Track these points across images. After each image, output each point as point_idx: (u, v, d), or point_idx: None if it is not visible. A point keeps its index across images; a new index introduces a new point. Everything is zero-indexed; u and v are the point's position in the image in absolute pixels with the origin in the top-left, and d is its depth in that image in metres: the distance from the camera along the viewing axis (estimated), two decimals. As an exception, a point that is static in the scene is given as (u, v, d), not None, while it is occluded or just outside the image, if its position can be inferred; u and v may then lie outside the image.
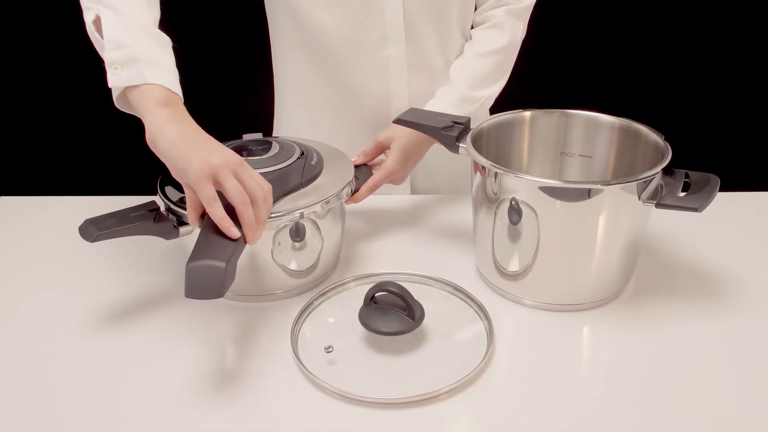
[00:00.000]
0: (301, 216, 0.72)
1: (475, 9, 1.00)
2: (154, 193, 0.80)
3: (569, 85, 1.95)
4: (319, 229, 0.75)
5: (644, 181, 0.68)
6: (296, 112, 1.06)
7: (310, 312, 0.74)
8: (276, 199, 0.69)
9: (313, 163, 0.78)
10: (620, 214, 0.70)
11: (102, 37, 0.70)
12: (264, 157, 0.75)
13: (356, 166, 0.86)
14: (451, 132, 0.78)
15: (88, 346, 0.70)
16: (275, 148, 0.77)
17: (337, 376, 0.63)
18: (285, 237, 0.73)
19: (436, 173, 1.07)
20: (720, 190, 0.70)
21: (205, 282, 0.58)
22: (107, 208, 0.73)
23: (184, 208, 0.67)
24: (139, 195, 0.86)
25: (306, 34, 0.95)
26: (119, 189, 1.08)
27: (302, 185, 0.74)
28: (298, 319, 0.71)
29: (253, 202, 0.63)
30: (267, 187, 0.65)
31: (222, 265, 0.58)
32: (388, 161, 0.88)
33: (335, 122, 1.02)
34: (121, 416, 0.61)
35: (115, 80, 0.68)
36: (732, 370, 0.66)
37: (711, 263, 0.84)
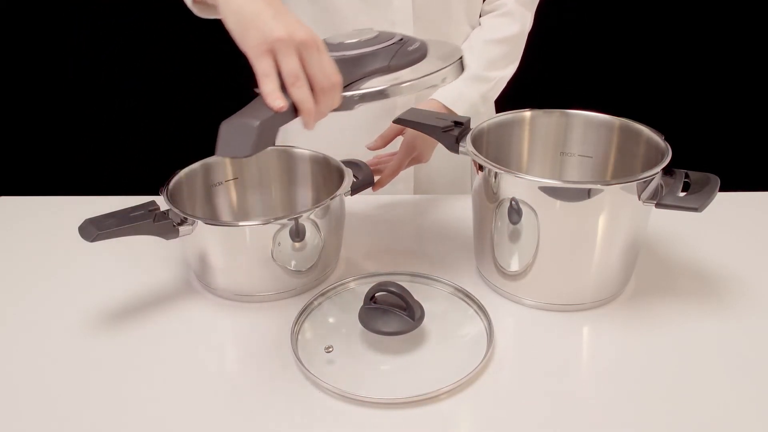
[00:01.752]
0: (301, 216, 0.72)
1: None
2: (154, 193, 0.80)
3: (569, 85, 1.95)
4: (319, 229, 0.75)
5: (644, 181, 0.68)
6: None
7: (310, 312, 0.74)
8: (356, 80, 0.63)
9: (410, 48, 0.69)
10: (620, 214, 0.70)
11: None
12: (349, 41, 0.68)
13: (357, 165, 0.86)
14: (451, 132, 0.78)
15: (87, 346, 0.70)
16: (371, 33, 0.69)
17: (337, 376, 0.63)
18: (285, 237, 0.73)
19: (438, 173, 1.07)
20: (720, 190, 0.70)
21: (236, 139, 0.55)
22: (107, 208, 0.73)
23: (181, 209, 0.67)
24: (139, 195, 0.86)
25: (318, 20, 0.95)
26: (119, 189, 1.08)
27: (389, 69, 0.66)
28: (298, 319, 0.71)
29: (313, 89, 0.58)
30: (335, 79, 0.58)
31: (255, 122, 0.55)
32: (405, 137, 0.87)
33: (340, 114, 1.01)
34: (121, 416, 0.61)
35: None
36: (732, 370, 0.66)
37: (711, 263, 0.84)
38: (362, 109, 0.98)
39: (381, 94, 0.63)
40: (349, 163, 0.85)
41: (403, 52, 0.68)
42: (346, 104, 0.62)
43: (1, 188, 1.15)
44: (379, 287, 0.68)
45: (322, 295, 0.76)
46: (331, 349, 0.67)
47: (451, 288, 0.77)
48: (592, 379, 0.66)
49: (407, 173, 1.06)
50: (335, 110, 0.61)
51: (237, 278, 0.76)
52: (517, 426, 0.59)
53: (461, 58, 0.69)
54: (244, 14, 0.58)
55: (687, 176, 0.72)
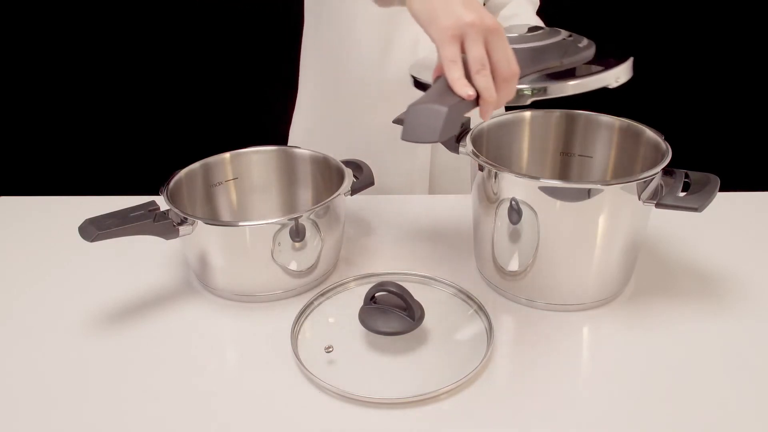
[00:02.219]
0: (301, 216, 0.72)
1: None
2: (155, 193, 0.80)
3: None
4: (319, 229, 0.75)
5: (644, 181, 0.68)
6: (317, 104, 1.07)
7: (310, 312, 0.74)
8: (528, 74, 0.63)
9: (580, 45, 0.68)
10: (620, 214, 0.70)
11: None
12: (525, 34, 0.68)
13: (357, 165, 0.86)
14: None
15: (87, 346, 0.70)
16: (539, 29, 0.70)
17: (337, 376, 0.63)
18: (285, 237, 0.73)
19: (454, 171, 1.07)
20: (720, 190, 0.70)
21: (424, 124, 0.54)
22: (107, 208, 0.73)
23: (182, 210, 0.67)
24: (139, 195, 0.86)
25: (337, 9, 0.95)
26: (119, 189, 1.08)
27: (561, 65, 0.65)
28: (298, 319, 0.71)
29: (495, 77, 0.57)
30: (515, 68, 0.57)
31: (444, 108, 0.53)
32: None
33: (358, 106, 1.02)
34: (121, 416, 0.61)
35: None
36: (732, 370, 0.66)
37: (711, 263, 0.84)
38: (385, 94, 0.98)
39: (555, 91, 0.63)
40: (349, 163, 0.85)
41: (574, 49, 0.67)
42: (519, 98, 0.61)
43: (1, 188, 1.15)
44: (379, 287, 0.68)
45: (322, 295, 0.76)
46: (331, 349, 0.67)
47: (451, 288, 0.77)
48: (592, 379, 0.66)
49: (422, 171, 1.06)
50: (508, 102, 0.60)
51: (237, 278, 0.76)
52: (517, 426, 0.59)
53: (632, 58, 0.68)
54: (434, 1, 0.57)
55: (687, 176, 0.72)
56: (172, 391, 0.64)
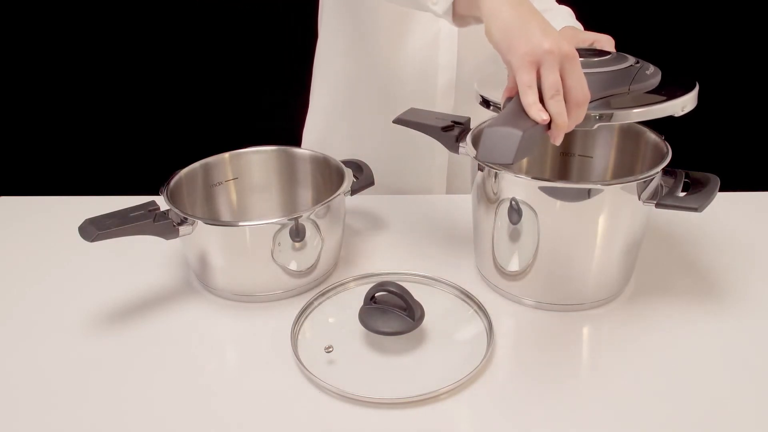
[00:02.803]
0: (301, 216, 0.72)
1: None
2: (155, 193, 0.80)
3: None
4: (319, 229, 0.75)
5: (644, 181, 0.68)
6: (332, 107, 1.07)
7: (310, 312, 0.74)
8: (596, 99, 0.64)
9: (647, 72, 0.70)
10: (620, 214, 0.70)
11: None
12: (593, 59, 0.69)
13: (357, 165, 0.86)
14: (451, 132, 0.78)
15: (87, 346, 0.70)
16: (609, 55, 0.71)
17: (337, 376, 0.63)
18: (285, 237, 0.73)
19: (460, 174, 1.08)
20: (720, 190, 0.71)
21: (499, 146, 0.56)
22: (107, 208, 0.73)
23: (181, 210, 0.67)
24: (139, 195, 0.86)
25: (357, 8, 0.96)
26: (119, 189, 1.08)
27: (629, 91, 0.67)
28: (298, 319, 0.71)
29: (567, 102, 0.58)
30: (587, 93, 0.59)
31: (519, 132, 0.55)
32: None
33: (376, 106, 1.02)
34: (121, 416, 0.61)
35: (440, 7, 0.66)
36: (731, 370, 0.66)
37: (711, 263, 0.84)
38: (405, 90, 0.98)
39: (621, 117, 0.64)
40: (349, 163, 0.85)
41: (642, 76, 0.68)
42: (587, 122, 0.63)
43: (1, 188, 1.15)
44: (379, 287, 0.68)
45: (322, 295, 0.76)
46: (331, 349, 0.67)
47: (451, 288, 0.77)
48: (591, 379, 0.66)
49: (440, 172, 1.07)
50: (576, 126, 0.61)
51: (237, 278, 0.76)
52: (517, 426, 0.59)
53: (697, 87, 0.69)
54: (512, 27, 0.58)
55: (687, 176, 0.73)
56: (172, 391, 0.64)
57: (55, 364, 0.68)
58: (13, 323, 0.75)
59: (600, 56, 0.71)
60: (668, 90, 0.68)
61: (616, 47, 0.79)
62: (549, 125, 0.58)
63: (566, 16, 0.99)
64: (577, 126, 0.61)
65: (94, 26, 2.03)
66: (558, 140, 0.59)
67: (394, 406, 0.61)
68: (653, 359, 0.67)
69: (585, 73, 0.62)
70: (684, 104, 0.66)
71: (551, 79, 0.57)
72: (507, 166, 0.58)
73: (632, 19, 1.99)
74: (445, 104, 1.00)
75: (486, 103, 0.70)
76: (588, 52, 0.72)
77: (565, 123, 0.58)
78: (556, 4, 1.02)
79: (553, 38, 0.57)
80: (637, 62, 0.71)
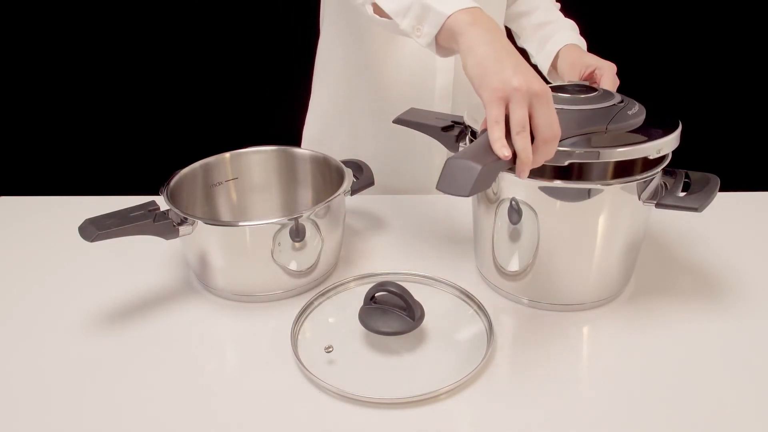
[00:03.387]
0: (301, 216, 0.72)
1: None
2: (155, 193, 0.80)
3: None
4: (319, 229, 0.75)
5: (644, 181, 0.68)
6: (332, 108, 1.07)
7: (310, 312, 0.74)
8: (571, 136, 0.65)
9: (630, 112, 0.69)
10: (620, 214, 0.70)
11: (388, 17, 0.71)
12: (579, 95, 0.70)
13: (357, 165, 0.86)
14: (451, 132, 0.78)
15: (87, 346, 0.70)
16: (595, 92, 0.72)
17: (337, 376, 0.63)
18: (285, 237, 0.73)
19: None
20: (720, 190, 0.71)
21: (458, 178, 0.57)
22: (107, 208, 0.73)
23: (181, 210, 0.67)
24: (139, 195, 0.86)
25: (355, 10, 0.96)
26: (119, 189, 1.08)
27: (606, 131, 0.66)
28: (298, 319, 0.71)
29: (536, 139, 0.59)
30: (556, 131, 0.59)
31: (478, 167, 0.56)
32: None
33: (375, 107, 1.02)
34: (121, 416, 0.61)
35: (424, 40, 0.67)
36: (732, 369, 0.66)
37: (711, 263, 0.84)
38: (403, 94, 0.99)
39: (593, 156, 0.64)
40: (349, 163, 0.85)
41: (622, 116, 0.69)
42: (558, 158, 0.63)
43: (1, 188, 1.15)
44: (379, 287, 0.68)
45: (322, 295, 0.76)
46: (331, 349, 0.67)
47: (451, 288, 0.77)
48: (592, 379, 0.66)
49: (439, 172, 1.07)
50: (547, 162, 0.62)
51: (237, 278, 0.76)
52: (517, 426, 0.59)
53: (680, 128, 0.69)
54: (487, 63, 0.60)
55: (687, 176, 0.73)
56: (172, 391, 0.64)
57: (56, 364, 0.68)
58: (13, 323, 0.75)
59: (587, 92, 0.72)
60: (647, 131, 0.68)
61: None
62: (515, 160, 0.59)
63: (569, 29, 1.00)
64: (547, 161, 0.62)
65: (94, 26, 2.03)
66: (523, 176, 0.60)
67: (394, 406, 0.61)
68: (653, 359, 0.67)
69: (564, 109, 0.64)
70: (660, 147, 0.66)
71: (518, 116, 0.58)
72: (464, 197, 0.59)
73: (633, 19, 1.99)
74: (443, 106, 1.01)
75: (474, 135, 0.72)
76: (576, 88, 0.73)
77: (529, 159, 0.59)
78: (561, 16, 1.03)
79: (523, 76, 0.58)
80: (622, 101, 0.71)
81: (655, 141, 0.66)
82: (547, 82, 0.96)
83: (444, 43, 0.67)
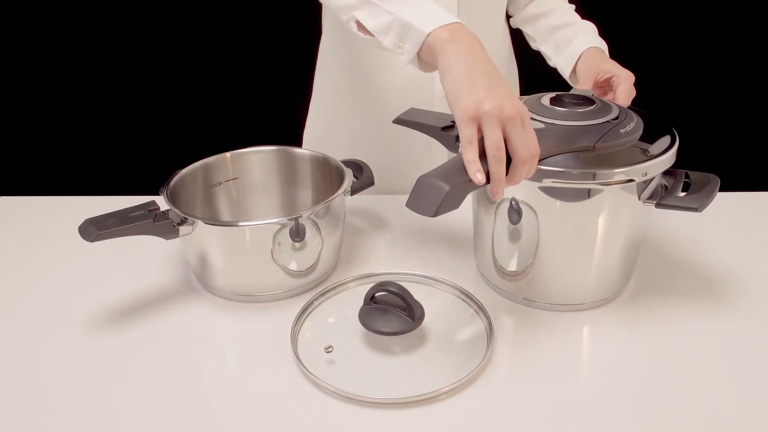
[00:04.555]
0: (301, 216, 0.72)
1: None
2: (155, 193, 0.80)
3: (570, 85, 1.95)
4: (319, 229, 0.75)
5: (644, 182, 0.68)
6: (334, 109, 1.07)
7: (310, 312, 0.74)
8: (557, 153, 0.64)
9: (623, 130, 0.67)
10: (620, 214, 0.70)
11: (371, 34, 0.71)
12: (576, 109, 0.69)
13: (357, 165, 0.86)
14: (450, 132, 0.78)
15: (87, 346, 0.70)
16: (592, 105, 0.70)
17: (337, 376, 0.63)
18: (285, 237, 0.73)
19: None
20: (720, 190, 0.70)
21: (426, 198, 0.57)
22: (107, 208, 0.73)
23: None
24: (139, 195, 0.86)
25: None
26: (119, 189, 1.08)
27: (594, 149, 0.65)
28: (298, 319, 0.71)
29: (513, 159, 0.59)
30: (533, 151, 0.59)
31: (445, 187, 0.56)
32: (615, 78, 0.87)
33: (376, 109, 1.02)
34: (121, 416, 0.61)
35: (406, 58, 0.68)
36: (732, 370, 0.66)
37: (711, 263, 0.84)
38: (402, 99, 0.98)
39: (568, 176, 0.64)
40: (349, 163, 0.85)
41: (614, 134, 0.67)
42: (537, 176, 0.63)
43: (1, 188, 1.15)
44: (379, 287, 0.68)
45: (322, 295, 0.76)
46: (331, 349, 0.67)
47: (451, 288, 0.77)
48: (592, 379, 0.66)
49: None
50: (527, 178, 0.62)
51: (237, 278, 0.76)
52: (517, 426, 0.59)
53: (675, 147, 0.68)
54: (461, 81, 0.60)
55: (687, 176, 0.72)
56: (172, 390, 0.64)
57: (56, 363, 0.68)
58: (13, 323, 0.75)
59: (585, 105, 0.70)
60: (638, 150, 0.67)
61: (617, 49, 0.80)
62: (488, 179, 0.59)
63: (589, 32, 0.99)
64: (529, 179, 0.62)
65: (95, 26, 2.03)
66: (497, 197, 0.60)
67: (394, 406, 0.61)
68: (653, 359, 0.67)
69: (554, 125, 0.64)
70: (646, 170, 0.65)
71: (491, 139, 0.58)
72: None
73: (633, 19, 1.99)
74: (442, 109, 1.00)
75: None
76: (574, 100, 0.71)
77: (501, 181, 0.59)
78: (579, 18, 1.02)
79: (495, 98, 0.58)
80: (617, 117, 0.69)
81: (642, 164, 0.65)
82: (568, 87, 0.95)
83: (426, 59, 0.67)
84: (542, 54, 1.05)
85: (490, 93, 0.59)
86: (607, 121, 0.68)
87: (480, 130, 0.59)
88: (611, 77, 0.87)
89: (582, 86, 0.89)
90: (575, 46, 0.96)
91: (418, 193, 0.58)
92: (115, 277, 0.82)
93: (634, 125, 0.69)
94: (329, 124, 1.09)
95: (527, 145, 0.59)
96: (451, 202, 0.57)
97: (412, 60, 0.68)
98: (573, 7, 1.06)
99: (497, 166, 0.58)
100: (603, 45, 0.97)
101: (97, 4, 2.00)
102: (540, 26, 1.04)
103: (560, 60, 0.99)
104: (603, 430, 0.59)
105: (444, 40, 0.63)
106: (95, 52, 2.06)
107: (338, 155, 0.87)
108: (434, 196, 0.57)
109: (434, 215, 0.56)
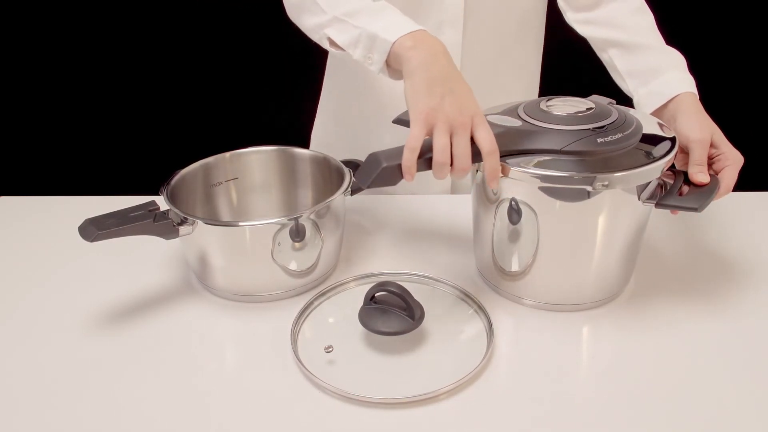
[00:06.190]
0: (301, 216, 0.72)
1: None
2: (155, 193, 0.80)
3: (570, 85, 1.95)
4: (319, 229, 0.75)
5: (644, 184, 0.68)
6: (342, 109, 1.08)
7: (310, 312, 0.74)
8: (523, 151, 0.67)
9: (601, 140, 0.66)
10: (620, 214, 0.70)
11: (342, 49, 0.76)
12: (571, 113, 0.69)
13: (357, 165, 0.86)
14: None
15: (87, 346, 0.70)
16: (589, 110, 0.70)
17: (337, 376, 0.63)
18: (285, 237, 0.73)
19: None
20: (720, 190, 0.70)
21: (366, 170, 0.64)
22: (107, 208, 0.73)
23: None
24: (139, 195, 0.86)
25: None
26: (119, 189, 1.08)
27: (560, 152, 0.66)
28: (298, 319, 0.71)
29: (452, 163, 0.64)
30: (465, 165, 0.64)
31: (382, 164, 0.63)
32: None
33: (383, 111, 1.02)
34: (120, 416, 0.61)
35: (376, 67, 0.72)
36: (732, 370, 0.66)
37: (711, 263, 0.84)
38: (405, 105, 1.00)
39: (527, 178, 0.66)
40: (349, 163, 0.85)
41: (590, 141, 0.66)
42: (530, 178, 0.66)
43: (1, 188, 1.15)
44: (379, 287, 0.68)
45: (322, 295, 0.76)
46: (331, 349, 0.67)
47: (451, 288, 0.77)
48: (591, 379, 0.66)
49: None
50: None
51: (237, 278, 0.76)
52: (517, 426, 0.59)
53: (647, 167, 0.66)
54: (420, 87, 0.65)
55: (687, 176, 0.73)
56: (172, 391, 0.64)
57: (55, 363, 0.68)
58: (13, 323, 0.75)
59: (581, 111, 0.70)
60: (612, 158, 0.66)
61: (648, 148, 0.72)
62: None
63: (681, 67, 0.85)
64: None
65: (95, 26, 2.03)
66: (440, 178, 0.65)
67: (394, 406, 0.61)
68: (653, 359, 0.67)
69: (521, 124, 0.68)
70: (604, 181, 0.65)
71: (438, 143, 0.63)
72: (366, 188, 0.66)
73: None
74: None
75: None
76: (568, 104, 0.71)
77: (441, 179, 0.65)
78: (664, 44, 0.89)
79: (448, 107, 0.63)
80: (604, 127, 0.68)
81: (600, 174, 0.64)
82: (622, 98, 0.85)
83: (394, 66, 0.71)
84: (600, 57, 0.95)
85: (443, 101, 0.64)
86: (591, 128, 0.67)
87: (430, 132, 0.64)
88: (721, 155, 0.77)
89: (696, 161, 0.74)
90: (667, 83, 0.83)
91: (364, 166, 0.65)
92: (115, 277, 0.82)
93: (619, 137, 0.67)
94: (338, 127, 1.09)
95: (465, 155, 0.63)
96: (387, 180, 0.64)
97: (381, 69, 0.72)
98: (652, 18, 0.92)
99: (439, 167, 0.64)
100: (694, 86, 0.84)
101: (97, 4, 2.00)
102: (612, 37, 0.91)
103: (641, 92, 0.86)
104: (603, 430, 0.59)
105: (407, 47, 0.68)
106: (95, 52, 2.06)
107: (346, 157, 0.87)
108: (372, 170, 0.63)
109: (367, 186, 0.64)
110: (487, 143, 0.64)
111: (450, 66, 0.67)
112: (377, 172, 0.63)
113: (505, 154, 0.66)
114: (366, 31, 0.71)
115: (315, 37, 0.79)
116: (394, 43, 0.69)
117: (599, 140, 0.66)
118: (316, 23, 0.77)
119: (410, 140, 0.63)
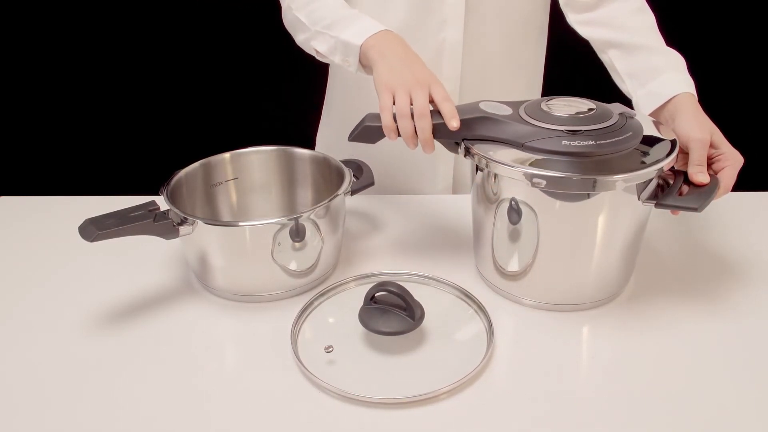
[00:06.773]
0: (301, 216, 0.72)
1: None
2: (155, 193, 0.80)
3: (570, 85, 1.95)
4: (319, 229, 0.75)
5: (644, 181, 0.68)
6: (346, 110, 1.08)
7: (310, 312, 0.74)
8: (488, 136, 0.71)
9: (574, 143, 0.66)
10: (620, 214, 0.70)
11: (328, 58, 0.86)
12: (572, 114, 0.69)
13: (357, 165, 0.86)
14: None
15: (87, 346, 0.70)
16: (591, 111, 0.70)
17: (337, 376, 0.63)
18: (285, 237, 0.73)
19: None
20: (720, 190, 0.70)
21: (354, 128, 0.75)
22: (107, 208, 0.73)
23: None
24: (139, 195, 0.86)
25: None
26: (119, 189, 1.08)
27: (523, 147, 0.68)
28: (298, 319, 0.72)
29: (415, 117, 0.72)
30: (425, 111, 0.71)
31: (365, 122, 0.74)
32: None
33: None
34: (120, 416, 0.61)
35: (353, 68, 0.83)
36: (732, 370, 0.66)
37: (711, 263, 0.84)
38: None
39: (500, 159, 0.69)
40: (349, 163, 0.85)
41: (563, 145, 0.66)
42: (447, 133, 0.73)
43: (1, 188, 1.15)
44: (379, 287, 0.68)
45: (322, 295, 0.76)
46: (331, 349, 0.67)
47: (451, 288, 0.77)
48: (591, 379, 0.66)
49: (446, 172, 1.07)
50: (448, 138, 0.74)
51: (237, 278, 0.76)
52: (517, 426, 0.59)
53: (623, 176, 0.65)
54: (383, 68, 0.77)
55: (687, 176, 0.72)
56: (171, 390, 0.64)
57: (55, 363, 0.68)
58: (13, 323, 0.75)
59: (571, 110, 0.70)
60: (589, 160, 0.66)
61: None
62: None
63: (680, 68, 0.85)
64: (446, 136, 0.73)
65: (95, 26, 2.03)
66: (411, 147, 0.73)
67: (394, 406, 0.61)
68: (653, 359, 0.67)
69: (504, 114, 0.71)
70: (540, 181, 0.66)
71: (399, 103, 0.73)
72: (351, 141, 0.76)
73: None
74: None
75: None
76: (572, 105, 0.72)
77: (407, 135, 0.72)
78: (664, 45, 0.89)
79: (405, 74, 0.74)
80: (586, 131, 0.67)
81: (587, 175, 0.65)
82: (623, 98, 0.86)
83: (366, 64, 0.81)
84: (600, 58, 0.95)
85: (402, 74, 0.75)
86: (566, 131, 0.67)
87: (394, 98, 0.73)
88: (721, 155, 0.76)
89: (696, 161, 0.73)
90: (663, 84, 0.83)
91: (357, 124, 0.75)
92: (114, 277, 0.82)
93: (594, 145, 0.66)
94: (344, 127, 1.09)
95: (424, 105, 0.72)
96: (367, 137, 0.75)
97: (358, 69, 0.83)
98: (652, 18, 0.91)
99: (402, 124, 0.72)
100: (692, 87, 0.83)
101: (97, 4, 2.00)
102: (616, 39, 0.91)
103: (640, 93, 0.86)
104: (603, 430, 0.59)
105: (370, 46, 0.79)
106: (95, 52, 2.06)
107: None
108: (356, 127, 0.75)
109: (349, 139, 0.75)
110: (441, 95, 0.73)
111: (406, 51, 0.79)
112: (360, 128, 0.74)
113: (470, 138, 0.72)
114: (339, 40, 0.82)
115: (306, 49, 0.90)
116: (361, 45, 0.80)
117: (582, 143, 0.66)
118: (304, 38, 0.89)
119: (381, 105, 0.73)
